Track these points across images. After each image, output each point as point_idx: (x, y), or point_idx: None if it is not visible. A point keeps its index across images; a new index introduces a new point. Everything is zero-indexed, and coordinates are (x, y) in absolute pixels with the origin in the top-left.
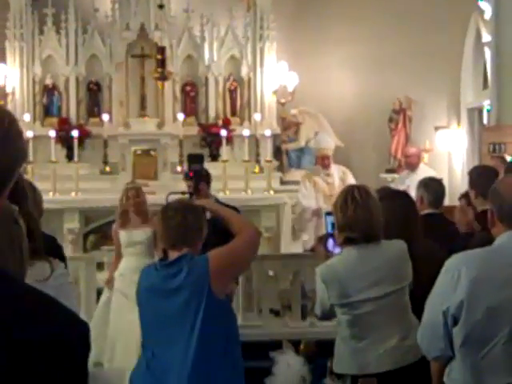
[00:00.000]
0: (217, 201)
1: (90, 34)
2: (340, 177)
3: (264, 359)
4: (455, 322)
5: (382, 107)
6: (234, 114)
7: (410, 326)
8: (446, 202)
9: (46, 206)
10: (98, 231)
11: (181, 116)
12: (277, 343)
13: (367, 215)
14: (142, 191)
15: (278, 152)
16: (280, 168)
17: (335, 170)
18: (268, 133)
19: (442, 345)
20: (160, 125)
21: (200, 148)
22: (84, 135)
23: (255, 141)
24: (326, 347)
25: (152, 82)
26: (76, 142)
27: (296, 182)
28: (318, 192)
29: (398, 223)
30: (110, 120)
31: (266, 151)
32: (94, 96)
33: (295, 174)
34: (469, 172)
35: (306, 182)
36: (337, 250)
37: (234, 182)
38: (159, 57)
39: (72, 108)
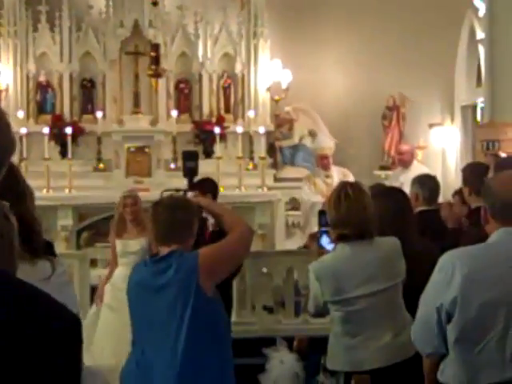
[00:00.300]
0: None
1: (83, 32)
2: (340, 178)
3: (257, 356)
4: (449, 318)
5: (376, 104)
6: (227, 111)
7: (403, 322)
8: (440, 199)
9: (39, 202)
10: (92, 228)
11: (174, 113)
12: (270, 340)
13: (360, 212)
14: (140, 200)
15: (271, 149)
16: (274, 165)
17: (336, 171)
18: (262, 130)
19: (436, 342)
20: (154, 122)
21: (194, 145)
22: (78, 132)
23: (249, 138)
24: (319, 344)
25: (146, 79)
26: (70, 139)
27: (290, 179)
28: (316, 193)
29: (392, 220)
30: (104, 117)
31: (260, 148)
32: (88, 93)
33: (289, 171)
34: (462, 169)
35: (307, 184)
36: (330, 247)
37: (227, 179)
38: (153, 54)
39: (66, 105)
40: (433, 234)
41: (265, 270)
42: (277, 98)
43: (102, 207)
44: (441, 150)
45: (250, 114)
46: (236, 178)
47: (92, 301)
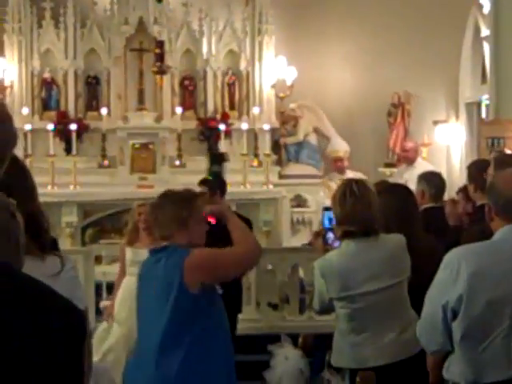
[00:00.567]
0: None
1: (88, 28)
2: None
3: (262, 352)
4: (455, 315)
5: (381, 101)
6: (232, 107)
7: (408, 319)
8: (445, 196)
9: (44, 199)
10: (97, 225)
11: (179, 110)
12: (275, 337)
13: (365, 209)
14: None
15: (276, 146)
16: (278, 162)
17: (351, 176)
18: (266, 127)
19: (441, 339)
20: (158, 118)
21: (198, 142)
22: (82, 129)
23: (254, 135)
24: (324, 341)
25: (150, 76)
26: (74, 136)
27: (294, 176)
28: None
29: (397, 217)
30: (109, 114)
31: (265, 145)
32: (93, 90)
33: (293, 168)
34: (468, 166)
35: (324, 189)
36: (336, 244)
37: (232, 176)
38: (158, 51)
39: (70, 102)
40: (435, 232)
41: (270, 266)
42: (281, 95)
43: (107, 204)
44: (445, 147)
45: (255, 110)
46: (241, 175)
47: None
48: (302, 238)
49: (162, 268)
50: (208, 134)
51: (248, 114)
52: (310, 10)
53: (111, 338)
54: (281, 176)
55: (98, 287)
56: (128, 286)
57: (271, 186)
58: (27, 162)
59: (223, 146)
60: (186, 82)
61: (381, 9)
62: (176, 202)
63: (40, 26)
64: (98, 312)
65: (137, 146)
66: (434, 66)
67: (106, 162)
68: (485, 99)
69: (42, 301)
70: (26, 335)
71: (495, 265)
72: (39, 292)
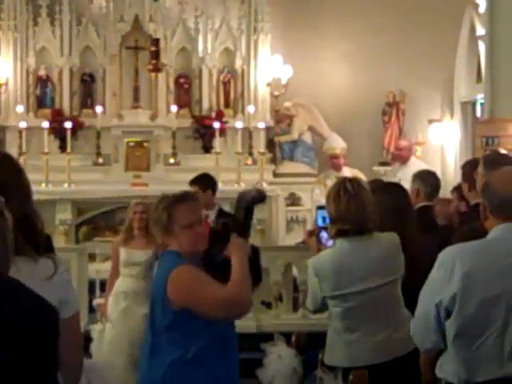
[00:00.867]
0: (220, 211)
1: (84, 26)
2: None
3: (255, 351)
4: (448, 314)
5: (376, 100)
6: (227, 106)
7: (401, 318)
8: (439, 195)
9: (38, 196)
10: (91, 222)
11: (174, 108)
12: (268, 335)
13: (360, 207)
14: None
15: (271, 144)
16: (273, 160)
17: (347, 173)
18: (261, 125)
19: (435, 337)
20: (153, 116)
21: (193, 140)
22: (77, 126)
23: (248, 133)
24: (318, 339)
25: (146, 74)
26: (69, 134)
27: (289, 175)
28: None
29: (391, 215)
30: (104, 111)
31: (259, 143)
32: (88, 87)
33: (288, 167)
34: (462, 165)
35: (320, 186)
36: (329, 243)
37: (226, 174)
38: (153, 49)
39: (65, 99)
40: (433, 230)
41: (263, 265)
42: (276, 93)
43: (101, 202)
44: (440, 146)
45: (250, 109)
46: (235, 173)
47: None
48: (297, 237)
49: (156, 275)
50: (203, 132)
51: (243, 112)
52: (306, 9)
53: (105, 339)
54: (275, 174)
55: (92, 285)
56: (121, 287)
57: (265, 185)
58: (21, 159)
59: (218, 144)
60: (182, 80)
61: (376, 8)
62: (158, 207)
63: (35, 23)
64: (92, 310)
65: (131, 143)
66: (430, 65)
67: (100, 160)
68: (480, 98)
69: (13, 298)
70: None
71: (489, 264)
72: (11, 289)
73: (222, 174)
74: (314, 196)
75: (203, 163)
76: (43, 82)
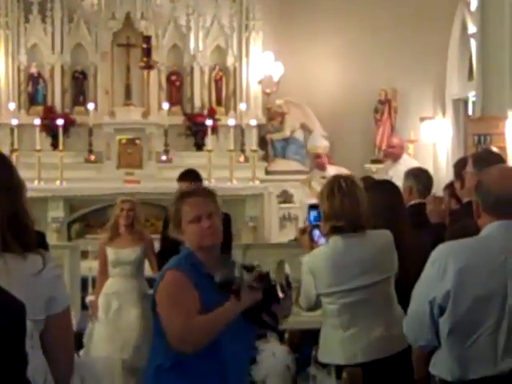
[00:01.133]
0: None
1: (75, 23)
2: None
3: None
4: (441, 311)
5: (368, 98)
6: (219, 103)
7: (395, 315)
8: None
9: (30, 194)
10: (83, 220)
11: (166, 105)
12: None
13: (354, 204)
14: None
15: (262, 142)
16: (265, 158)
17: (333, 171)
18: (253, 123)
19: (428, 335)
20: (145, 114)
21: (185, 137)
22: (69, 124)
23: (240, 130)
24: (311, 336)
25: (137, 71)
26: (61, 131)
27: (281, 172)
28: (312, 196)
29: (384, 213)
30: (95, 109)
31: (251, 141)
32: (80, 85)
33: (280, 164)
34: (454, 164)
35: (304, 188)
36: (321, 241)
37: (218, 172)
38: (145, 46)
39: (57, 97)
40: (426, 227)
41: (256, 262)
42: (268, 91)
43: (93, 199)
44: (432, 144)
45: (242, 106)
46: (227, 171)
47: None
48: (289, 234)
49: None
50: (195, 129)
51: (235, 109)
52: (298, 6)
53: (94, 338)
54: (267, 172)
55: (84, 282)
56: (112, 288)
57: (258, 182)
58: (13, 156)
59: (210, 141)
60: (173, 78)
61: (368, 6)
62: (171, 202)
63: (27, 20)
64: (84, 307)
65: (124, 141)
66: (421, 63)
67: (92, 157)
68: (472, 96)
69: None
70: None
71: (483, 261)
72: None
73: (214, 172)
74: (301, 197)
75: (195, 161)
76: (35, 79)
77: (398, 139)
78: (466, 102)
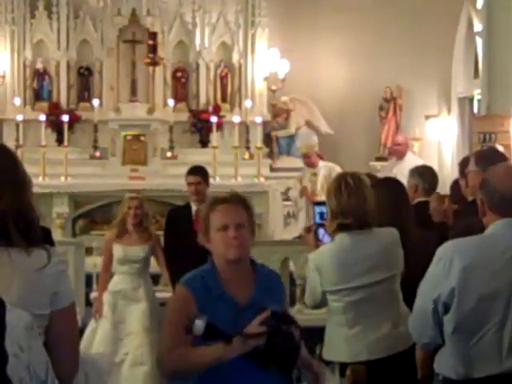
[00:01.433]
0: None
1: (81, 19)
2: (324, 175)
3: None
4: (446, 309)
5: (373, 95)
6: (224, 100)
7: (400, 313)
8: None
9: (35, 190)
10: (88, 216)
11: (171, 102)
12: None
13: (361, 202)
14: (146, 204)
15: (268, 139)
16: (270, 155)
17: (323, 168)
18: (258, 119)
19: (433, 332)
20: (150, 110)
21: (190, 134)
22: (74, 120)
23: (245, 127)
24: (314, 334)
25: (143, 68)
26: (66, 127)
27: (285, 169)
28: (303, 196)
29: (390, 210)
30: (101, 105)
31: (256, 138)
32: (85, 81)
33: (285, 161)
34: (460, 162)
35: (296, 184)
36: (326, 240)
37: (223, 169)
38: (150, 42)
39: (62, 92)
40: (431, 225)
41: (260, 260)
42: (274, 87)
43: (98, 195)
44: (437, 142)
45: (247, 103)
46: (232, 168)
47: (88, 287)
48: (293, 231)
49: None
50: (200, 126)
51: (240, 106)
52: (304, 3)
53: (98, 335)
54: (272, 169)
55: (89, 278)
56: (118, 286)
57: (262, 179)
58: (19, 152)
59: (215, 138)
60: (179, 74)
61: (374, 3)
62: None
63: (33, 16)
64: (89, 303)
65: (129, 137)
66: (427, 61)
67: (97, 153)
68: (477, 94)
69: None
70: None
71: (488, 259)
72: None
73: (219, 169)
74: (291, 196)
75: (200, 157)
76: (40, 75)
77: (403, 137)
78: (471, 100)
